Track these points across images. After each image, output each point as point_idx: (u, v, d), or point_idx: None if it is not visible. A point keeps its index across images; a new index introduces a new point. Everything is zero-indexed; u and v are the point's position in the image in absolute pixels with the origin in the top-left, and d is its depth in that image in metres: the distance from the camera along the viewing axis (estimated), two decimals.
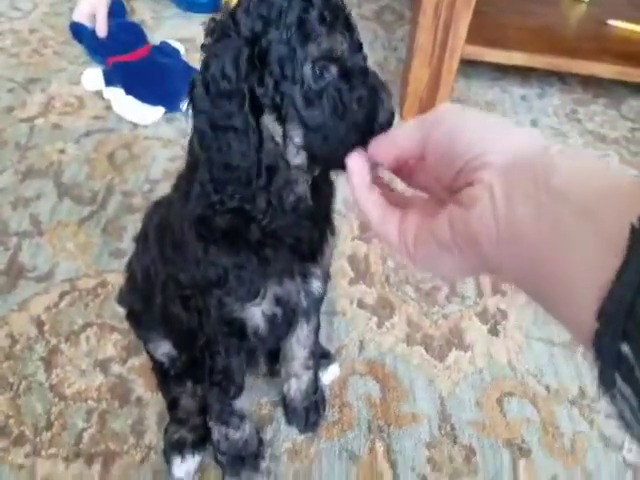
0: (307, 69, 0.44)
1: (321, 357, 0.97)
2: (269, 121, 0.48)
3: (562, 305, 0.28)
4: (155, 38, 1.59)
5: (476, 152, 0.33)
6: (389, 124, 0.45)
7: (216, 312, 0.66)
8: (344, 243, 1.17)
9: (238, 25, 0.46)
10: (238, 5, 0.47)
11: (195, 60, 1.48)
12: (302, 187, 0.57)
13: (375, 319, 1.07)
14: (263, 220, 0.57)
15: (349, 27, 0.46)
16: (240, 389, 0.78)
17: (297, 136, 0.47)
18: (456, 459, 0.90)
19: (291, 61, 0.44)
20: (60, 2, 1.75)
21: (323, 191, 0.63)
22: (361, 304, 1.09)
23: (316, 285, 0.67)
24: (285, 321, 0.71)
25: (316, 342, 0.88)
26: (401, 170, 0.43)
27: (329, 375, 0.98)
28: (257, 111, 0.47)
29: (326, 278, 0.73)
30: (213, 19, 0.49)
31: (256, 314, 0.65)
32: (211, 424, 0.82)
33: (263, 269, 0.61)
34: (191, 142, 0.55)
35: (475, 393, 0.98)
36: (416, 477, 0.88)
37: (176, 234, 0.67)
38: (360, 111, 0.45)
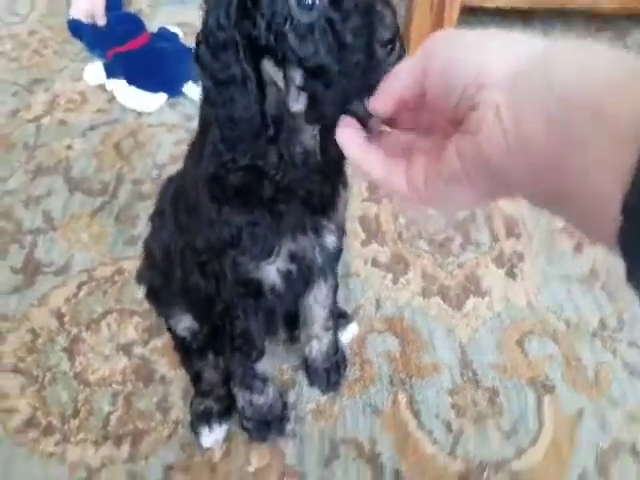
0: (293, 2, 0.42)
1: (339, 317, 0.98)
2: (269, 66, 0.47)
3: (582, 210, 0.28)
4: (153, 25, 1.60)
5: (474, 75, 0.32)
6: (392, 41, 0.42)
7: (232, 274, 0.67)
8: (354, 205, 1.18)
9: None
10: None
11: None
12: (308, 138, 0.56)
13: (390, 276, 1.08)
14: (276, 175, 0.57)
15: None
16: (261, 352, 0.80)
17: (296, 77, 0.45)
18: (480, 402, 0.91)
19: None
20: (57, 1, 1.77)
21: (333, 144, 0.62)
22: (375, 263, 1.10)
23: (330, 240, 0.68)
24: (301, 278, 0.72)
25: (334, 302, 0.89)
26: (402, 116, 0.41)
27: (348, 334, 1.00)
28: (257, 57, 0.47)
29: (340, 233, 0.72)
30: None
31: (271, 272, 0.66)
32: (235, 391, 0.85)
33: (276, 226, 0.62)
34: (202, 105, 0.55)
35: (495, 337, 0.98)
36: (440, 424, 0.89)
37: (190, 198, 0.68)
38: (358, 40, 0.42)
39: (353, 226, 1.15)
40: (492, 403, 0.91)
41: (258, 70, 0.48)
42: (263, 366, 0.82)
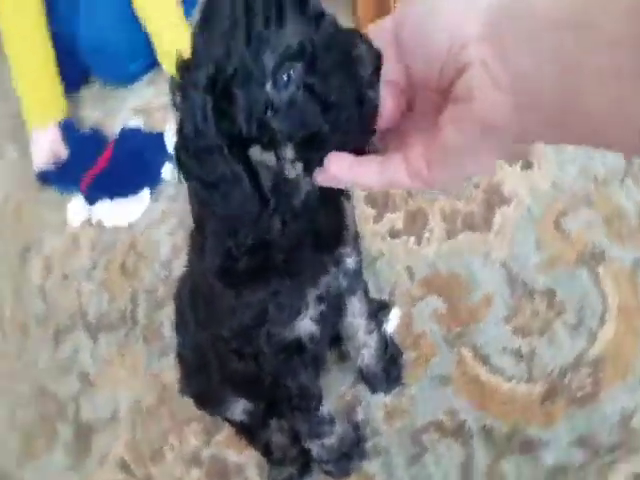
0: (269, 87, 0.47)
1: (379, 310, 1.12)
2: (257, 153, 0.54)
3: (601, 133, 0.31)
4: (115, 127, 1.90)
5: (449, 34, 0.35)
6: (377, 73, 0.46)
7: (268, 347, 0.78)
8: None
9: (194, 75, 0.50)
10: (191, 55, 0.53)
11: (158, 121, 1.84)
12: (306, 185, 0.63)
13: (412, 239, 1.23)
14: (282, 239, 0.66)
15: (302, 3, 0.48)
16: (319, 398, 0.94)
17: (288, 153, 0.52)
18: (540, 310, 1.03)
19: (252, 86, 0.48)
20: (18, 161, 2.09)
21: None
22: (393, 234, 1.26)
23: (349, 262, 0.79)
24: (332, 308, 0.85)
25: (369, 301, 1.03)
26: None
27: (392, 322, 1.14)
28: (243, 148, 0.53)
29: (356, 244, 0.82)
30: (172, 77, 0.54)
31: (305, 324, 0.77)
32: (307, 445, 0.99)
33: (297, 283, 0.71)
34: (192, 202, 0.67)
35: (532, 234, 1.11)
36: (510, 356, 1.02)
37: (205, 292, 0.83)
38: (343, 94, 0.47)
39: (361, 208, 1.30)
40: (551, 304, 1.02)
41: (246, 157, 0.54)
42: (325, 407, 0.96)
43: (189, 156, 0.53)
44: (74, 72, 2.05)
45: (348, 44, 0.47)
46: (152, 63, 1.97)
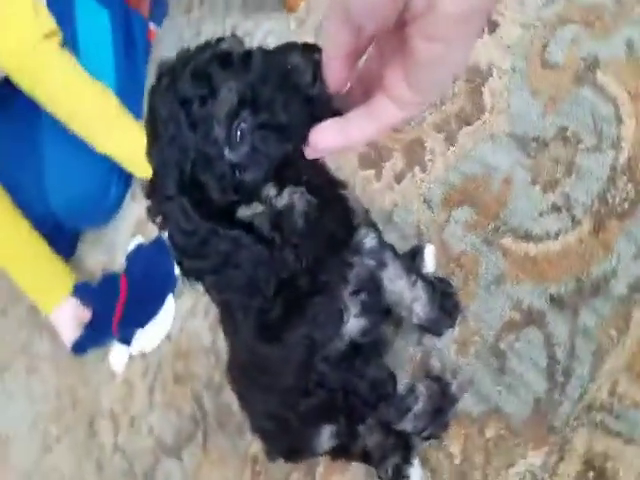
0: (227, 152, 0.64)
1: (413, 259, 1.27)
2: (244, 212, 0.70)
3: None
4: (122, 257, 2.20)
5: None
6: (315, 67, 0.61)
7: (329, 367, 0.93)
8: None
9: (163, 190, 0.67)
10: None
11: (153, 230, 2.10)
12: (300, 203, 0.79)
13: (417, 169, 1.38)
14: (300, 264, 0.81)
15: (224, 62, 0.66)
16: (394, 378, 1.06)
17: (270, 191, 0.71)
18: (558, 154, 1.16)
19: (214, 162, 0.64)
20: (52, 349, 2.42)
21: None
22: (398, 177, 1.41)
23: (368, 241, 0.95)
24: (371, 291, 0.99)
25: (401, 258, 1.14)
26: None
27: (429, 261, 1.27)
28: (230, 214, 0.71)
29: (369, 223, 0.99)
30: (148, 208, 0.73)
31: (352, 325, 0.92)
32: (400, 426, 1.12)
33: (329, 293, 0.88)
34: (209, 292, 0.85)
35: (524, 90, 1.26)
36: (548, 214, 1.13)
37: (256, 364, 1.02)
38: (292, 108, 0.63)
39: (357, 176, 1.47)
40: (567, 141, 1.15)
41: (236, 221, 0.71)
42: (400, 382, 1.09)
43: (190, 258, 0.71)
44: (63, 240, 2.44)
45: (280, 63, 0.63)
46: (124, 183, 2.33)
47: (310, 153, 0.64)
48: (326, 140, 0.60)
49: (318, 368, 0.93)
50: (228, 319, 0.96)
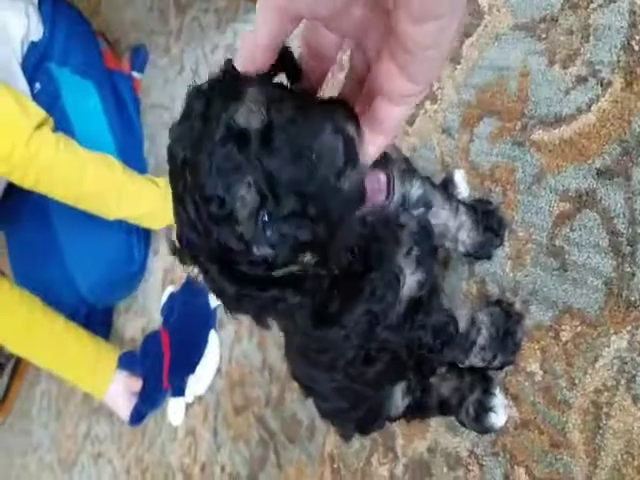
0: (260, 252, 0.63)
1: (447, 187, 1.22)
2: (280, 272, 0.69)
3: None
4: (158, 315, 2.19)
5: None
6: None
7: (391, 332, 0.94)
8: None
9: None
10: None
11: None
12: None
13: (428, 104, 1.34)
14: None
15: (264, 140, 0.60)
16: (454, 319, 1.01)
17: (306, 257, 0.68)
18: (570, 23, 1.10)
19: (240, 255, 0.64)
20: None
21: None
22: (410, 120, 1.38)
23: (414, 191, 0.95)
24: (422, 238, 0.97)
25: (438, 188, 1.11)
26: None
27: (462, 185, 1.22)
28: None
29: (410, 169, 1.00)
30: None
31: (409, 283, 0.90)
32: (470, 362, 1.07)
33: (384, 262, 0.86)
34: None
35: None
36: (574, 89, 1.06)
37: (313, 343, 0.98)
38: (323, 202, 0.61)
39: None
40: (576, 6, 1.08)
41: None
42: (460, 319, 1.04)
43: (228, 306, 0.71)
44: (99, 322, 2.52)
45: (306, 145, 0.58)
46: (144, 242, 2.38)
47: (370, 159, 0.61)
48: (377, 142, 0.59)
49: (381, 337, 0.90)
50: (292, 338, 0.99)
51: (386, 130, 0.57)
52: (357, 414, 1.13)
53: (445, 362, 1.08)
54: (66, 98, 2.21)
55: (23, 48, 2.17)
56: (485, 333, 1.04)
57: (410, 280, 0.90)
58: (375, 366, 0.98)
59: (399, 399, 1.13)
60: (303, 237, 0.62)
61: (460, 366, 1.08)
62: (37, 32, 2.22)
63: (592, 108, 1.02)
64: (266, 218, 0.60)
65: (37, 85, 2.20)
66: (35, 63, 2.21)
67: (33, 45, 2.20)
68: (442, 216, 1.07)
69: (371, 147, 0.58)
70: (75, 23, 2.43)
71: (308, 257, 0.67)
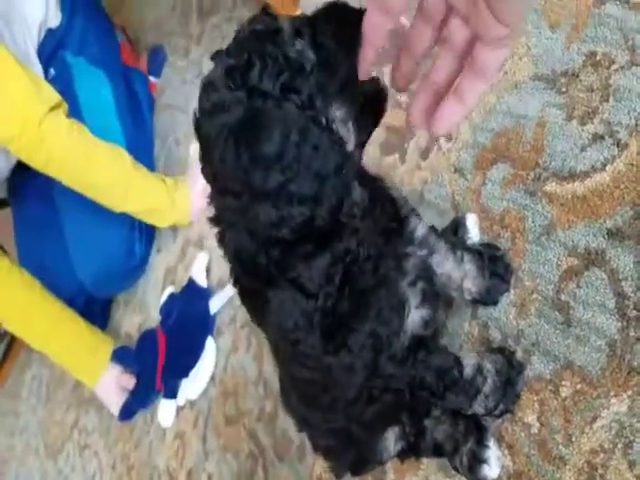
0: None
1: (456, 232, 1.22)
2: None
3: None
4: (156, 314, 2.20)
5: None
6: None
7: (395, 366, 0.92)
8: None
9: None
10: None
11: (182, 272, 2.16)
12: (356, 193, 0.83)
13: (441, 139, 1.33)
14: (366, 254, 0.84)
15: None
16: (458, 361, 1.01)
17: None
18: (591, 81, 1.10)
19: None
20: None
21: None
22: (423, 154, 1.38)
23: (420, 229, 0.97)
24: (427, 279, 0.98)
25: (443, 236, 1.12)
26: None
27: (473, 230, 1.21)
28: None
29: (415, 211, 1.02)
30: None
31: (414, 317, 0.91)
32: (472, 410, 1.05)
33: (390, 285, 0.89)
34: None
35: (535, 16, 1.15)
36: (590, 146, 1.07)
37: (318, 379, 0.96)
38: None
39: (384, 165, 1.41)
40: (597, 66, 1.09)
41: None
42: (466, 364, 1.03)
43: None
44: (97, 312, 2.49)
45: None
46: (147, 238, 2.37)
47: (440, 131, 0.66)
48: (450, 118, 0.64)
49: (385, 370, 0.90)
50: (283, 347, 0.95)
51: (486, 75, 0.60)
52: (348, 456, 1.13)
53: (449, 408, 1.07)
54: (79, 87, 2.19)
55: (40, 34, 2.15)
56: (490, 382, 1.03)
57: (415, 314, 0.90)
58: (375, 406, 0.98)
59: (392, 444, 1.11)
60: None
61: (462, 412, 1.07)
62: (55, 19, 2.21)
63: (607, 168, 1.02)
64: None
65: (52, 71, 2.19)
66: (51, 50, 2.19)
67: (50, 32, 2.18)
68: (446, 267, 1.07)
69: (471, 94, 0.61)
70: (94, 14, 2.41)
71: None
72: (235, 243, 0.79)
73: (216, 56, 0.74)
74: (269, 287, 0.83)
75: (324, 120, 0.72)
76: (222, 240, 0.81)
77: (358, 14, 0.66)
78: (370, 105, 0.78)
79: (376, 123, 0.81)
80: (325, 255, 0.79)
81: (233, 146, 0.70)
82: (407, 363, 0.91)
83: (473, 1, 0.54)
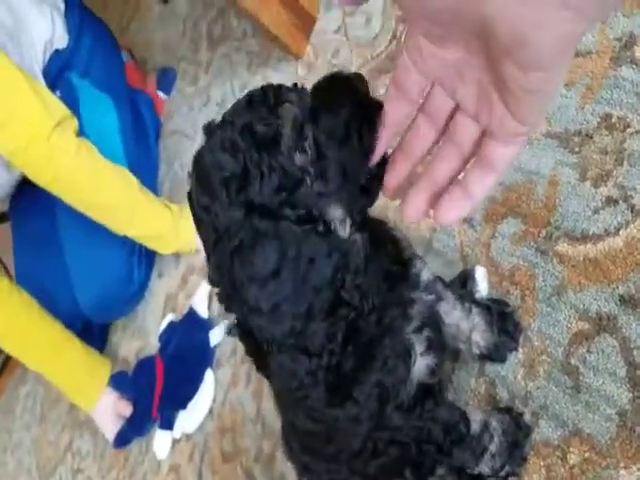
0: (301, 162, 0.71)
1: (464, 285, 1.21)
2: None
3: None
4: (155, 340, 2.19)
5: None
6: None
7: (404, 416, 0.90)
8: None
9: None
10: None
11: (182, 300, 2.14)
12: (358, 237, 0.82)
13: None
14: (371, 306, 0.83)
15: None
16: (465, 416, 1.01)
17: (336, 211, 0.74)
18: (606, 143, 1.09)
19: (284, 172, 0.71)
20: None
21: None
22: None
23: (425, 274, 0.95)
24: (432, 327, 0.97)
25: (451, 287, 1.12)
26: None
27: (482, 284, 1.20)
28: None
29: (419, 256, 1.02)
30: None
31: (419, 365, 0.90)
32: (479, 469, 1.05)
33: (395, 332, 0.87)
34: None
35: None
36: (604, 209, 1.06)
37: (322, 430, 0.95)
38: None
39: (390, 208, 1.38)
40: (612, 128, 1.09)
41: None
42: (473, 420, 1.03)
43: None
44: (94, 336, 2.46)
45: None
46: (146, 264, 2.35)
47: (445, 223, 0.64)
48: (455, 212, 0.62)
49: (392, 421, 0.89)
50: (285, 393, 0.94)
51: (497, 169, 0.58)
52: None
53: (454, 465, 1.05)
54: (83, 111, 2.17)
55: (46, 54, 2.15)
56: (497, 441, 1.02)
57: (421, 361, 0.89)
58: (380, 460, 0.96)
59: None
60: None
61: (468, 471, 1.05)
62: (62, 40, 2.20)
63: (620, 233, 1.01)
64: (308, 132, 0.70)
65: (57, 93, 2.16)
66: (57, 71, 2.19)
67: (57, 53, 2.18)
68: (454, 317, 1.07)
69: (479, 189, 0.59)
70: (101, 36, 2.41)
71: (338, 214, 0.73)
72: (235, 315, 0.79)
73: (209, 130, 0.74)
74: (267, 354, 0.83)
75: (322, 227, 0.72)
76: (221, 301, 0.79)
77: (361, 88, 0.71)
78: (367, 185, 0.76)
79: (372, 203, 0.79)
80: (327, 319, 0.78)
81: (229, 261, 0.71)
82: (414, 413, 0.91)
83: (486, 98, 0.53)
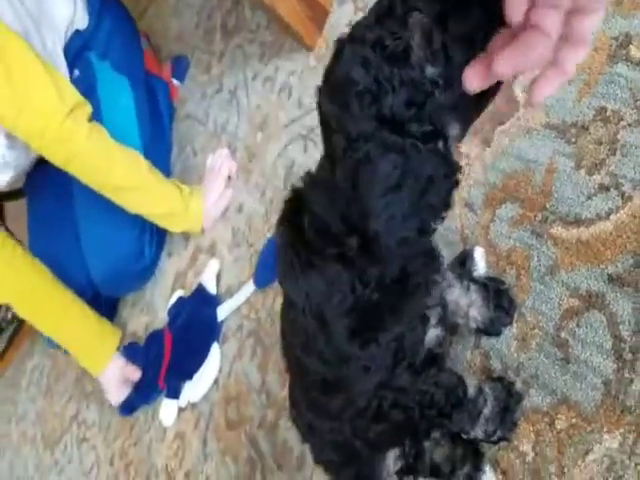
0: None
1: (463, 264, 1.27)
2: None
3: None
4: (164, 315, 2.24)
5: None
6: None
7: (412, 376, 0.96)
8: None
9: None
10: None
11: (191, 277, 2.19)
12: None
13: None
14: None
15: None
16: (463, 382, 1.07)
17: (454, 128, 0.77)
18: (600, 135, 1.15)
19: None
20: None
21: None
22: None
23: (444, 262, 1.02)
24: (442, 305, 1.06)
25: (451, 266, 1.20)
26: None
27: (480, 263, 1.26)
28: None
29: None
30: None
31: (431, 334, 0.98)
32: (473, 433, 1.11)
33: (419, 298, 0.93)
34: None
35: None
36: (597, 195, 1.12)
37: (334, 375, 0.97)
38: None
39: None
40: (607, 121, 1.14)
41: None
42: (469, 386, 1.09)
43: None
44: (103, 309, 2.47)
45: None
46: (157, 242, 2.40)
47: (539, 99, 0.66)
48: (552, 86, 0.64)
49: (399, 381, 0.94)
50: (299, 341, 0.96)
51: (586, 41, 0.61)
52: (348, 472, 1.15)
53: (452, 430, 1.10)
54: (101, 91, 2.21)
55: (67, 34, 2.18)
56: (490, 405, 1.08)
57: (432, 332, 0.96)
58: (381, 424, 1.01)
59: (391, 464, 1.14)
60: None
61: (463, 435, 1.11)
62: (82, 21, 2.23)
63: (611, 217, 1.07)
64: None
65: (76, 72, 2.21)
66: (77, 51, 2.21)
67: (77, 33, 2.21)
68: (454, 294, 1.13)
69: (574, 61, 0.62)
70: (121, 20, 2.44)
71: (454, 131, 0.76)
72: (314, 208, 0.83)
73: (341, 46, 0.74)
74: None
75: (442, 145, 0.75)
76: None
77: None
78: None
79: (478, 115, 0.81)
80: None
81: (355, 168, 0.74)
82: (420, 377, 0.96)
83: None
